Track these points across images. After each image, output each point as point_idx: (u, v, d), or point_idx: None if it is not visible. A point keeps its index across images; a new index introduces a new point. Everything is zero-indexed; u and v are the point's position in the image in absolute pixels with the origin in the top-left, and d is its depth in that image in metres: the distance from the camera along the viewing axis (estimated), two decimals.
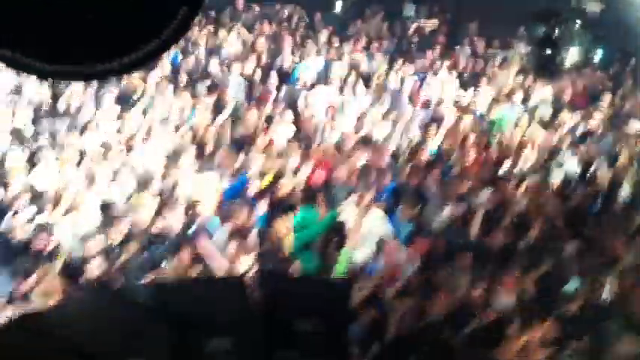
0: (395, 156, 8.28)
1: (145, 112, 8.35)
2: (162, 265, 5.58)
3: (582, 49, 7.78)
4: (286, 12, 12.57)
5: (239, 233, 6.13)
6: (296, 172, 7.36)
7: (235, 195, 6.81)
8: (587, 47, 8.64)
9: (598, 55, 12.48)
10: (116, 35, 2.69)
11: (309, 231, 6.39)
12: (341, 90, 9.92)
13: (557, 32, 7.54)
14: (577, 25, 7.70)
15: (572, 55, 7.28)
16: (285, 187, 7.04)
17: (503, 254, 6.38)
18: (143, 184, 6.71)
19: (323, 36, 11.52)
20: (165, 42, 2.73)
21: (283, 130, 8.42)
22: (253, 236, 6.18)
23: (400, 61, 11.18)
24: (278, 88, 9.72)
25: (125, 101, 8.60)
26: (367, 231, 6.43)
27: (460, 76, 11.09)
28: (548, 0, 9.84)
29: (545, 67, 7.35)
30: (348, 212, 6.62)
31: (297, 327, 3.41)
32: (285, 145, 7.98)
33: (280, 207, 6.65)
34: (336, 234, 6.38)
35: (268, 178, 7.09)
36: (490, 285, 5.67)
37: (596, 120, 9.80)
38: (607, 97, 10.38)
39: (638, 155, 8.74)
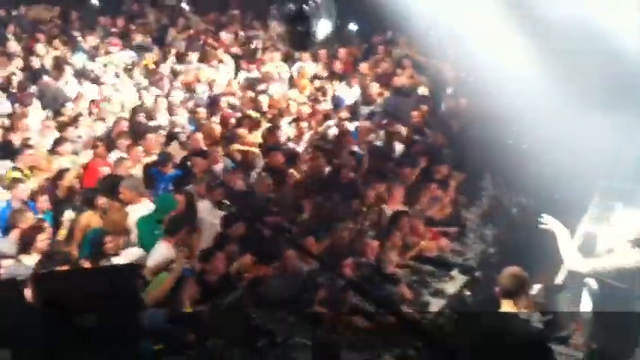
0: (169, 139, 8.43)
1: None
2: None
3: (333, 22, 8.39)
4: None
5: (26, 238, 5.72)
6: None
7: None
8: (338, 21, 9.28)
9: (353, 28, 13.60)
10: None
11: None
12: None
13: (307, 8, 8.09)
14: (326, 0, 8.29)
15: (323, 28, 7.87)
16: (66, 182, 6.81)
17: None
18: None
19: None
20: None
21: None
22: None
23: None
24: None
25: None
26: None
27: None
28: None
29: (299, 41, 7.87)
30: None
31: (82, 323, 3.34)
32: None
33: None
34: None
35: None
36: None
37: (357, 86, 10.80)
38: (364, 66, 11.48)
39: None
